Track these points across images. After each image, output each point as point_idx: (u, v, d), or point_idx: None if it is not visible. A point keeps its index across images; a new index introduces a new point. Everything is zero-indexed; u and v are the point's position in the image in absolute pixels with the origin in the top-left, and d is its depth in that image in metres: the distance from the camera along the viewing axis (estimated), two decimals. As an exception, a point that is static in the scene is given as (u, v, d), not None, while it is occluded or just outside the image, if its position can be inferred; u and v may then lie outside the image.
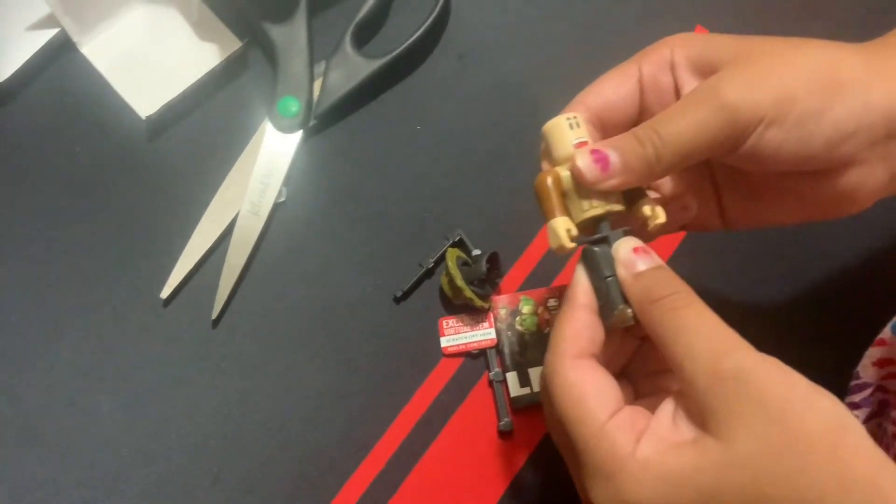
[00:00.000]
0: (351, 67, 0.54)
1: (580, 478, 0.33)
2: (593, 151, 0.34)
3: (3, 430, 0.49)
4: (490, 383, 0.50)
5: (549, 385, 0.34)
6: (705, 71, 0.36)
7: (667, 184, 0.39)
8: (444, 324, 0.51)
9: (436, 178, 0.54)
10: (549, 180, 0.35)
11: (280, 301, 0.51)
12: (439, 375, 0.50)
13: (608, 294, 0.34)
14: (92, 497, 0.48)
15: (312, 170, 0.54)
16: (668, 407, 0.32)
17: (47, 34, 0.54)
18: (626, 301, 0.34)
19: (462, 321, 0.51)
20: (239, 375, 0.50)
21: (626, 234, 0.36)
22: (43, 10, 0.54)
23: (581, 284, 0.35)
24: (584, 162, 0.34)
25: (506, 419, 0.49)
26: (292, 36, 0.55)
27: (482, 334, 0.50)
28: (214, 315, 0.50)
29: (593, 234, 0.36)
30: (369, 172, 0.54)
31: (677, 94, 0.37)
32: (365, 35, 0.56)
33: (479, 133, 0.55)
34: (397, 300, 0.51)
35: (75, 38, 0.54)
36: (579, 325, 0.34)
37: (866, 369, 0.44)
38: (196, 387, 0.50)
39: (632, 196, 0.36)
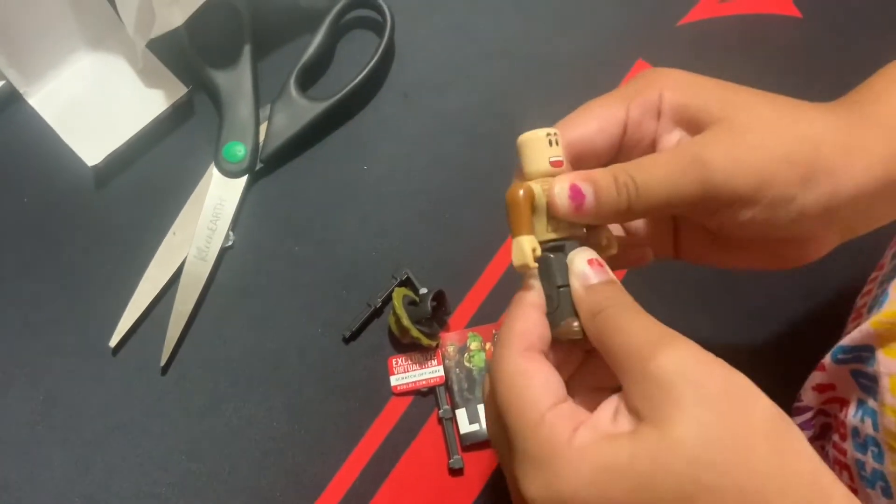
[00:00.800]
0: (296, 110, 0.55)
1: (511, 469, 0.32)
2: (572, 187, 0.34)
3: (-48, 484, 0.49)
4: (440, 421, 0.50)
5: (495, 374, 0.33)
6: (690, 123, 0.36)
7: (637, 228, 0.40)
8: (394, 362, 0.51)
9: (383, 216, 0.54)
10: (522, 193, 0.34)
11: (229, 346, 0.51)
12: (389, 414, 0.50)
13: (559, 303, 0.34)
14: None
15: (260, 213, 0.54)
16: (609, 403, 0.32)
17: (-8, 86, 0.55)
18: (576, 313, 0.34)
19: (411, 359, 0.51)
20: (188, 422, 0.50)
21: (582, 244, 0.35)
22: (-14, 63, 0.54)
23: (534, 287, 0.35)
24: (562, 195, 0.34)
25: (456, 456, 0.49)
26: (237, 81, 0.55)
27: (430, 372, 0.51)
28: (163, 362, 0.50)
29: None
30: (316, 213, 0.54)
31: (656, 141, 0.37)
32: (309, 77, 0.57)
33: (425, 170, 0.55)
34: (346, 340, 0.52)
35: (21, 89, 0.55)
36: (530, 322, 0.34)
37: (807, 392, 0.45)
38: (146, 434, 0.50)
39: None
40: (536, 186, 0.34)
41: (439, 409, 0.50)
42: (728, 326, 0.52)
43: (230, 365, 0.51)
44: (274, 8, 0.56)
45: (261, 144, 0.55)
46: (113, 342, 0.51)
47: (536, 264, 0.34)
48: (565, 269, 0.34)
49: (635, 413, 0.30)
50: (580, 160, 0.37)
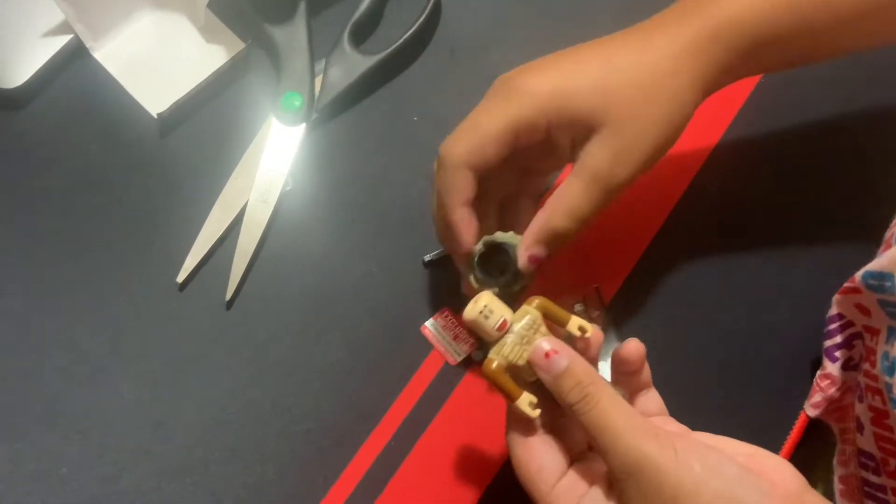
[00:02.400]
0: (349, 64, 0.58)
1: None
2: (530, 257, 0.44)
3: (27, 412, 0.51)
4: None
5: (510, 453, 0.41)
6: (579, 131, 0.43)
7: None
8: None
9: (431, 164, 0.57)
10: (494, 367, 0.40)
11: (289, 283, 0.54)
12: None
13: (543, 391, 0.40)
14: (113, 472, 0.50)
15: (315, 160, 0.57)
16: (600, 487, 0.39)
17: (61, 40, 0.57)
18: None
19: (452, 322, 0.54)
20: (252, 354, 0.53)
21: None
22: (57, 18, 0.57)
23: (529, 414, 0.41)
24: (524, 265, 0.45)
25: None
26: (293, 36, 0.58)
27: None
28: (228, 297, 0.53)
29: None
30: (369, 160, 0.57)
31: (551, 146, 0.44)
32: (361, 34, 0.60)
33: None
34: (426, 264, 0.54)
35: (88, 44, 0.58)
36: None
37: (842, 304, 0.47)
38: (211, 366, 0.52)
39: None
40: (499, 357, 0.40)
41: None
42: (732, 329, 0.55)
43: (290, 301, 0.54)
44: (327, -32, 0.59)
45: (316, 96, 0.57)
46: (180, 279, 0.53)
47: (538, 412, 0.40)
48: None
49: (618, 500, 0.38)
50: (479, 172, 0.44)
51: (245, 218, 0.54)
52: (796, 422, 0.50)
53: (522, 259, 0.44)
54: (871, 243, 0.46)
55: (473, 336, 0.53)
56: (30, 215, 0.55)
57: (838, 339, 0.47)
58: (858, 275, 0.43)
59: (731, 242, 0.55)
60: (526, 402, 0.40)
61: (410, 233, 0.55)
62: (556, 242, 0.44)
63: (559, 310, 0.42)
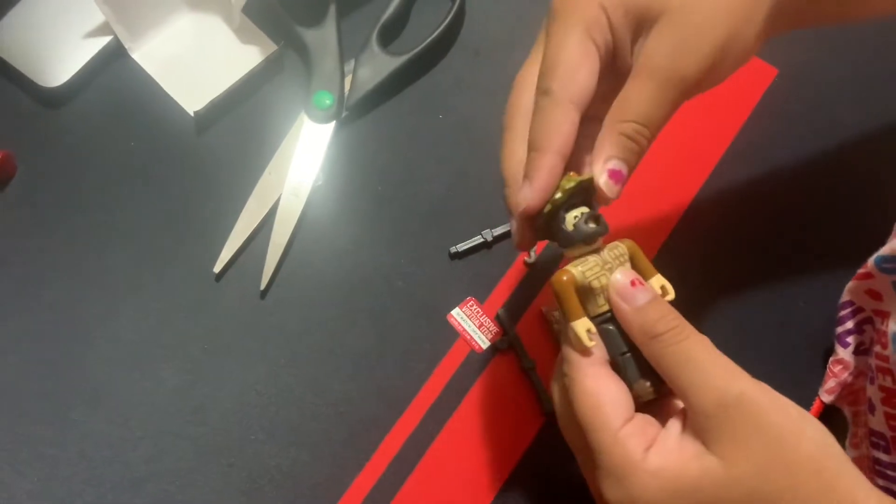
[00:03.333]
0: (377, 64, 0.60)
1: (594, 476, 0.37)
2: (610, 172, 0.38)
3: (72, 396, 0.54)
4: (524, 370, 0.54)
5: (571, 392, 0.37)
6: (639, 24, 0.38)
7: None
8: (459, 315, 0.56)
9: (457, 161, 0.59)
10: (565, 279, 0.37)
11: (320, 274, 0.56)
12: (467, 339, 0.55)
13: (626, 369, 0.38)
14: (154, 454, 0.52)
15: (345, 156, 0.59)
16: (675, 424, 0.36)
17: (101, 41, 0.60)
18: (643, 375, 0.37)
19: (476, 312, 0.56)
20: (285, 341, 0.55)
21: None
22: (97, 20, 0.59)
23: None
24: (607, 184, 0.38)
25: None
26: (323, 38, 0.60)
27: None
28: (262, 287, 0.55)
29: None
30: (397, 157, 0.59)
31: (619, 51, 0.40)
32: (389, 35, 0.62)
33: (495, 120, 0.60)
34: (451, 256, 0.56)
35: (127, 45, 0.60)
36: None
37: (855, 293, 0.49)
38: (247, 352, 0.55)
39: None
40: (576, 270, 0.38)
41: (520, 362, 0.54)
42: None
43: (322, 291, 0.56)
44: (356, -28, 0.61)
45: (346, 94, 0.60)
46: (217, 269, 0.56)
47: (594, 342, 0.37)
48: (623, 338, 0.38)
49: (701, 438, 0.34)
50: (584, 105, 0.39)
51: (278, 211, 0.57)
52: (811, 409, 0.52)
53: (601, 177, 0.38)
54: (886, 233, 0.47)
55: (497, 325, 0.55)
56: (72, 208, 0.58)
57: (849, 324, 0.49)
58: (871, 260, 0.45)
59: (745, 237, 0.57)
60: (585, 326, 0.37)
61: (436, 226, 0.57)
62: (630, 153, 0.38)
63: (646, 260, 0.39)
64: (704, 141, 0.60)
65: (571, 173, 0.39)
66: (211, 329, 0.55)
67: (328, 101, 0.59)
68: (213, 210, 0.57)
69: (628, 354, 0.38)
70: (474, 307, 0.56)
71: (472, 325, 0.55)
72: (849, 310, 0.50)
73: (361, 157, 0.59)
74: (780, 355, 0.54)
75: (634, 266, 0.39)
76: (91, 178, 0.59)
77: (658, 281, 0.39)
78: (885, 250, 0.44)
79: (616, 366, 0.38)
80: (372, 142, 0.60)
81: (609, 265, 0.38)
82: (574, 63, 0.38)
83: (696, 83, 0.38)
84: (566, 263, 0.39)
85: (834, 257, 0.56)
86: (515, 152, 0.41)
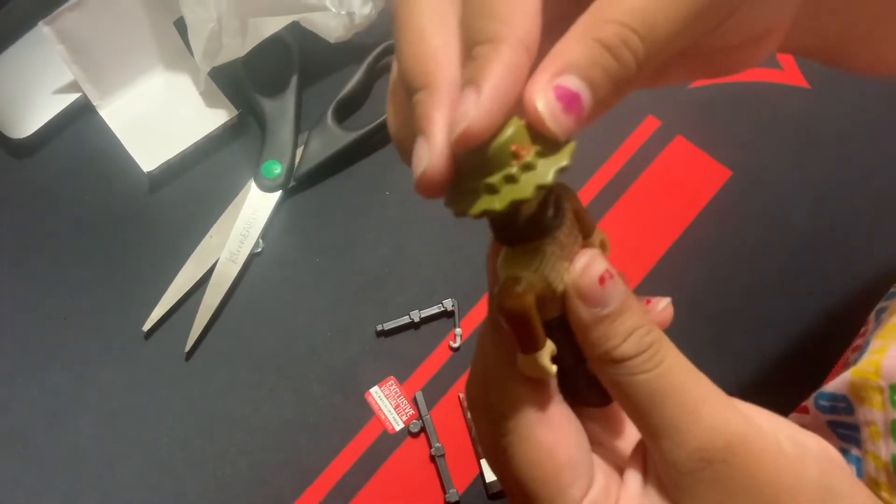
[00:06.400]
0: (330, 138, 0.61)
1: None
2: (557, 89, 0.23)
3: (-6, 438, 0.55)
4: (432, 459, 0.54)
5: (510, 445, 0.27)
6: None
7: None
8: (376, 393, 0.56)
9: (396, 239, 0.60)
10: (524, 290, 0.25)
11: (248, 340, 0.57)
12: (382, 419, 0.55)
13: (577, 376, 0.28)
14: (64, 501, 0.53)
15: (288, 225, 0.61)
16: (635, 477, 0.28)
17: (70, 97, 0.63)
18: (587, 388, 0.28)
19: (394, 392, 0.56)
20: (203, 405, 0.56)
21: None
22: (67, 78, 0.62)
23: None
24: (553, 111, 0.23)
25: (451, 490, 0.53)
26: (282, 108, 0.62)
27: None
28: (187, 348, 0.56)
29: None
30: (338, 230, 0.60)
31: None
32: (345, 110, 0.63)
33: (441, 204, 0.61)
34: (377, 334, 0.57)
35: (95, 102, 0.63)
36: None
37: None
38: (166, 411, 0.56)
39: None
40: (536, 275, 0.26)
41: (430, 448, 0.54)
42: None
43: (247, 357, 0.57)
44: (321, 47, 0.62)
45: (296, 165, 0.61)
46: (146, 327, 0.57)
47: (556, 369, 0.26)
48: (571, 350, 0.27)
49: (672, 497, 0.27)
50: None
51: (214, 275, 0.58)
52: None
53: (540, 96, 0.23)
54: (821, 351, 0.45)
55: (414, 407, 0.55)
56: (24, 255, 0.60)
57: None
58: (810, 397, 0.43)
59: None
60: (549, 352, 0.26)
61: (367, 302, 0.58)
62: (602, 71, 0.23)
63: (585, 210, 0.28)
64: (650, 236, 0.59)
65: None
66: (134, 385, 0.56)
67: (277, 171, 0.61)
68: (153, 268, 0.59)
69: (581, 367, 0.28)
70: (393, 387, 0.56)
71: (389, 405, 0.55)
72: None
73: (303, 227, 0.61)
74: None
75: (577, 221, 0.28)
76: (45, 227, 0.61)
77: (598, 236, 0.29)
78: (823, 388, 0.42)
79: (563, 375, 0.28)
80: (316, 213, 0.61)
81: (566, 249, 0.26)
82: None
83: None
84: (498, 250, 0.27)
85: (770, 363, 0.55)
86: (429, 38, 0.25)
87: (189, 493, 0.53)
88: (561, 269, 0.26)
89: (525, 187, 0.23)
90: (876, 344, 0.41)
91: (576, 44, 0.23)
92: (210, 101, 0.63)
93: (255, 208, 0.60)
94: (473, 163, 0.24)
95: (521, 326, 0.26)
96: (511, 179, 0.24)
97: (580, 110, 0.23)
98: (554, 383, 0.27)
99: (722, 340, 0.56)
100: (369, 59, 0.63)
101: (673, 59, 0.26)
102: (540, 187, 0.23)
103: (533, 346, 0.26)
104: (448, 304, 0.57)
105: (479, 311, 0.57)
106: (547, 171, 0.23)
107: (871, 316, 0.47)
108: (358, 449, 0.54)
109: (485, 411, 0.28)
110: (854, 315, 0.48)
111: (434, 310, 0.57)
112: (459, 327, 0.57)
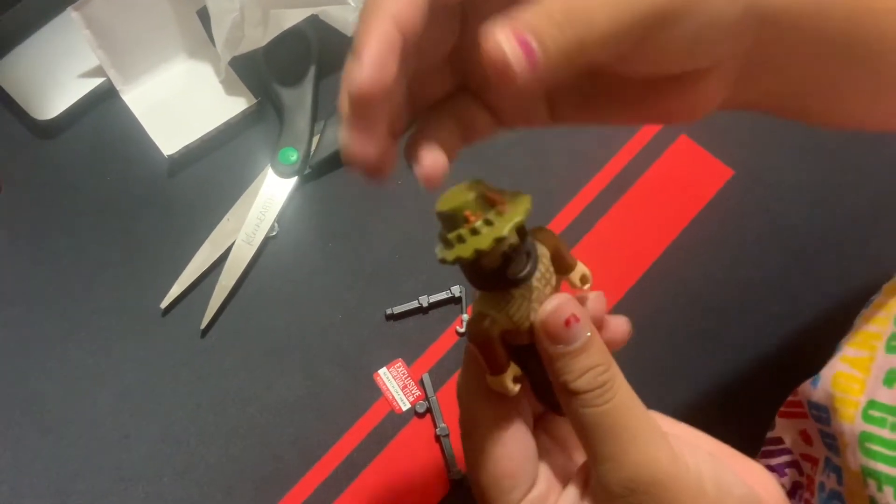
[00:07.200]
0: (346, 127, 0.63)
1: None
2: (517, 35, 0.26)
3: (12, 405, 0.57)
4: (437, 439, 0.56)
5: (470, 437, 0.33)
6: None
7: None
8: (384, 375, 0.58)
9: (406, 227, 0.62)
10: (492, 333, 0.31)
11: (260, 320, 0.59)
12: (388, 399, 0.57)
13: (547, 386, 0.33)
14: (78, 469, 0.55)
15: (303, 211, 0.63)
16: (573, 492, 0.33)
17: (95, 81, 0.64)
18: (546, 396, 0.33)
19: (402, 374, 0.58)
20: (216, 381, 0.57)
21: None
22: (93, 62, 0.64)
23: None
24: (512, 49, 0.26)
25: (455, 468, 0.55)
26: (300, 97, 0.64)
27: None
28: (203, 326, 0.58)
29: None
30: (350, 217, 0.62)
31: None
32: (361, 101, 0.65)
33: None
34: (387, 317, 0.59)
35: (118, 87, 0.65)
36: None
37: (786, 432, 0.47)
38: (181, 387, 0.57)
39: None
40: (501, 315, 0.31)
41: (436, 428, 0.56)
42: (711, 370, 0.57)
43: (259, 336, 0.59)
44: (338, 40, 0.64)
45: (311, 153, 0.63)
46: (164, 304, 0.59)
47: (518, 386, 0.32)
48: (542, 373, 0.32)
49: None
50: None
51: (230, 256, 0.60)
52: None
53: (501, 33, 0.26)
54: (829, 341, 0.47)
55: (420, 388, 0.57)
56: (45, 233, 0.62)
57: (773, 461, 0.48)
58: (804, 400, 0.44)
59: (682, 329, 0.58)
60: (511, 375, 0.32)
61: (377, 287, 0.60)
62: (552, 40, 0.26)
63: (567, 250, 0.33)
64: (653, 231, 0.61)
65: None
66: (150, 360, 0.58)
67: (293, 157, 0.63)
68: (172, 248, 0.61)
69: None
70: (401, 369, 0.57)
71: (397, 385, 0.57)
72: (777, 447, 0.48)
73: (317, 213, 0.63)
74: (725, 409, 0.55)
75: (557, 259, 0.33)
76: (66, 206, 0.63)
77: (580, 270, 0.34)
78: (812, 396, 0.43)
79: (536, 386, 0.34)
80: (329, 200, 0.63)
81: (537, 291, 0.31)
82: None
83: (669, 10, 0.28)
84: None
85: (767, 356, 0.57)
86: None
87: (201, 466, 0.55)
88: (528, 310, 0.31)
89: (485, 239, 0.29)
90: (849, 351, 0.41)
91: (531, 13, 0.26)
92: (230, 90, 0.65)
93: (271, 193, 0.62)
94: (449, 222, 0.31)
95: (486, 354, 0.32)
96: (476, 232, 0.30)
97: (535, 62, 0.26)
98: (517, 404, 0.33)
99: (721, 332, 0.57)
100: (385, 52, 0.65)
101: (613, 93, 0.33)
102: (497, 239, 0.29)
103: (498, 370, 0.32)
104: (455, 290, 0.59)
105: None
106: (503, 226, 0.29)
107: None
108: (365, 427, 0.56)
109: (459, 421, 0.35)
110: (849, 313, 0.49)
111: (442, 295, 0.59)
112: (466, 313, 0.58)
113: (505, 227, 0.29)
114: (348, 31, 0.63)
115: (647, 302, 0.59)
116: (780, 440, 0.48)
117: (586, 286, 0.34)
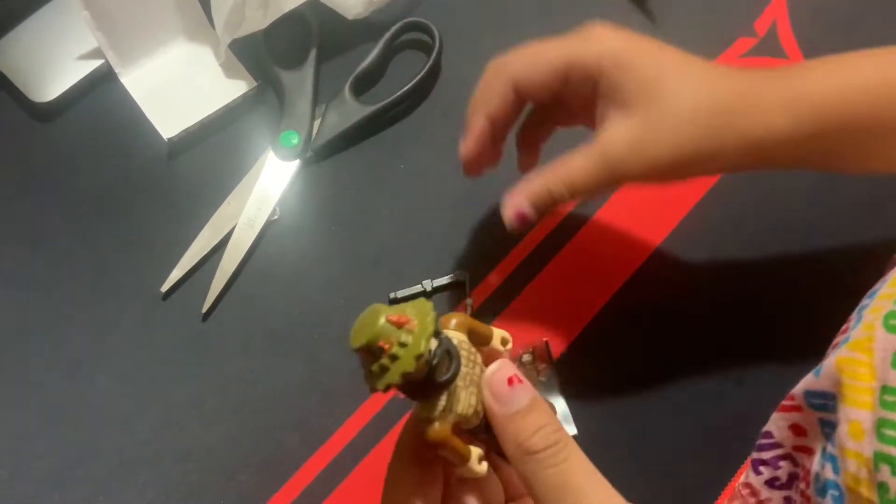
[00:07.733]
0: (347, 111, 0.63)
1: None
2: (519, 214, 0.45)
3: (7, 392, 0.57)
4: None
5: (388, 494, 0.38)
6: (617, 102, 0.42)
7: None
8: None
9: (409, 211, 0.61)
10: (441, 427, 0.33)
11: (262, 304, 0.59)
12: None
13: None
14: (79, 454, 0.55)
15: (304, 194, 0.62)
16: None
17: (93, 64, 0.64)
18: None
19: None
20: (218, 365, 0.57)
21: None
22: (91, 44, 0.63)
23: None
24: (509, 220, 0.45)
25: None
26: (300, 80, 0.64)
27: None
28: (204, 310, 0.58)
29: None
30: (353, 201, 0.62)
31: (591, 103, 0.44)
32: (363, 85, 0.65)
33: (452, 176, 0.62)
34: (390, 301, 0.58)
35: (117, 69, 0.64)
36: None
37: (779, 429, 0.47)
38: (181, 371, 0.57)
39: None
40: (451, 415, 0.33)
41: None
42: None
43: (261, 321, 0.58)
44: (339, 24, 0.64)
45: (313, 136, 0.63)
46: (164, 288, 0.58)
47: (486, 465, 0.34)
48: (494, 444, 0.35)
49: None
50: (521, 93, 0.45)
51: (231, 240, 0.59)
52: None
53: (509, 213, 0.45)
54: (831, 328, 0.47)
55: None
56: (45, 216, 0.61)
57: (766, 455, 0.48)
58: (799, 393, 0.44)
59: (683, 310, 0.58)
60: (476, 458, 0.34)
61: (380, 271, 0.59)
62: (545, 206, 0.44)
63: (481, 324, 0.36)
64: (650, 222, 0.61)
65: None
66: (150, 344, 0.58)
67: (294, 141, 0.62)
68: (172, 232, 0.60)
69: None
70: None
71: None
72: (768, 441, 0.48)
73: (319, 196, 0.62)
74: (703, 435, 0.55)
75: (474, 336, 0.36)
76: (65, 190, 0.62)
77: (498, 335, 0.37)
78: (812, 385, 0.42)
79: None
80: (331, 183, 0.62)
81: (469, 376, 0.34)
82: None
83: (640, 179, 0.43)
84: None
85: (764, 348, 0.57)
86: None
87: (201, 451, 0.55)
88: (469, 395, 0.33)
89: (406, 362, 0.32)
90: (851, 335, 0.41)
91: (537, 187, 0.45)
92: (230, 73, 0.65)
93: (272, 177, 0.62)
94: (367, 355, 0.33)
95: (447, 451, 0.33)
96: (396, 358, 0.32)
97: (526, 222, 0.45)
98: (437, 473, 0.36)
99: (718, 323, 0.57)
100: (386, 36, 0.65)
101: None
102: (417, 357, 0.31)
103: (462, 461, 0.34)
104: (459, 274, 0.58)
105: (490, 282, 0.59)
106: (418, 342, 0.32)
107: (854, 314, 0.46)
108: (367, 414, 0.56)
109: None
110: (846, 306, 0.49)
111: (446, 279, 0.58)
112: (470, 297, 0.58)
113: (420, 343, 0.32)
114: (349, 15, 0.63)
115: (650, 290, 0.59)
116: (770, 434, 0.48)
117: (508, 346, 0.36)
